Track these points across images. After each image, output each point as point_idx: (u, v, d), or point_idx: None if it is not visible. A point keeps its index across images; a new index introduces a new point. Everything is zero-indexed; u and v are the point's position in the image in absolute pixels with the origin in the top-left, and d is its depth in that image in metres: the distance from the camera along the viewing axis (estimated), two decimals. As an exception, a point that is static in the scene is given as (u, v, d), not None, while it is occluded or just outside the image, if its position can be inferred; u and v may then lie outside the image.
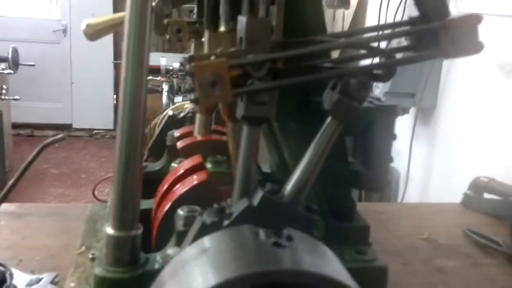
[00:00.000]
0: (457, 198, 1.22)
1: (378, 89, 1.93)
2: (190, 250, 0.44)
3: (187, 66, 0.40)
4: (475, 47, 0.48)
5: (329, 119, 0.50)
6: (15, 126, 4.51)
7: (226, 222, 0.46)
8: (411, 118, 2.08)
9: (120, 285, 0.54)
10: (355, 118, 0.48)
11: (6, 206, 1.01)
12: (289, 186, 0.52)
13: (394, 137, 0.65)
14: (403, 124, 2.15)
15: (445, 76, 1.94)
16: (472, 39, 0.47)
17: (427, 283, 0.86)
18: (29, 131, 5.04)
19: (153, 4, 0.89)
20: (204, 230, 0.45)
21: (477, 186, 1.23)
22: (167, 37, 0.83)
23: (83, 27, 0.94)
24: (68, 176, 4.24)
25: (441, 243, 1.00)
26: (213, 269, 0.40)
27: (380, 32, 0.49)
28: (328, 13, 2.79)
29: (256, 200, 0.50)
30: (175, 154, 0.82)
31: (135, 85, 0.53)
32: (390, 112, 0.64)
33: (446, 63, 1.94)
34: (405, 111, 2.03)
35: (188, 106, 1.06)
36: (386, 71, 0.49)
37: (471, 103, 1.79)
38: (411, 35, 0.49)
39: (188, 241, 0.46)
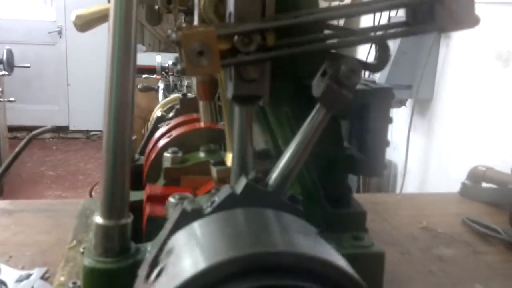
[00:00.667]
0: (455, 189, 1.21)
1: (375, 82, 1.91)
2: (179, 235, 0.43)
3: (174, 35, 0.38)
4: (472, 20, 0.47)
5: (317, 106, 0.48)
6: (11, 129, 4.48)
7: (208, 210, 0.44)
8: (408, 110, 2.07)
9: (109, 276, 0.52)
10: (344, 107, 0.47)
11: (-4, 203, 1.00)
12: (274, 174, 0.50)
13: (390, 120, 0.63)
14: (400, 116, 2.14)
15: (442, 67, 1.93)
16: (468, 13, 0.46)
17: (426, 271, 0.85)
18: (25, 133, 5.02)
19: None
20: (185, 218, 0.43)
21: (475, 176, 1.22)
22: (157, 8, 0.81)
23: (73, 18, 0.92)
24: (65, 178, 4.22)
25: (439, 232, 0.99)
26: (203, 253, 0.38)
27: (376, 5, 0.47)
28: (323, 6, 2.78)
29: (239, 188, 0.49)
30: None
31: (122, 70, 0.51)
32: (385, 95, 0.62)
33: (442, 54, 1.93)
34: (402, 103, 2.02)
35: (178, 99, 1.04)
36: (379, 61, 0.48)
37: (468, 93, 1.78)
38: (407, 10, 0.48)
39: (167, 229, 0.44)
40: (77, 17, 0.92)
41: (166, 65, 2.43)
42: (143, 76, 2.75)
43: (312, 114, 0.48)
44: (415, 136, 2.06)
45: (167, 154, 0.72)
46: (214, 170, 0.61)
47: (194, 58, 0.39)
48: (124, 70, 0.50)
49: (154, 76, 2.50)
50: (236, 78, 0.43)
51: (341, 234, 0.61)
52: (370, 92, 0.62)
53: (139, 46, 4.81)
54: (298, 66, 0.60)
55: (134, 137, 0.85)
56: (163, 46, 5.13)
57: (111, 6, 0.50)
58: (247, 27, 0.41)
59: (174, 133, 0.82)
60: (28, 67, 3.80)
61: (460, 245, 0.94)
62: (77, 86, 5.05)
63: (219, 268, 0.36)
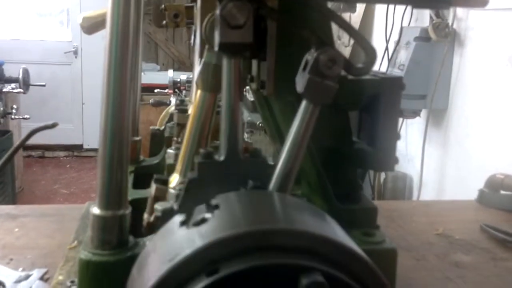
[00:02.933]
0: (473, 200, 1.17)
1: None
2: (176, 219, 0.41)
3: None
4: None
5: (303, 102, 0.46)
6: (26, 147, 4.53)
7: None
8: (422, 120, 2.03)
9: (105, 269, 0.50)
10: (329, 98, 0.45)
11: (1, 208, 0.99)
12: (274, 178, 0.48)
13: (400, 112, 0.60)
14: (414, 128, 2.11)
15: (456, 76, 1.89)
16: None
17: (443, 277, 0.81)
18: (40, 152, 5.06)
19: (150, -5, 0.87)
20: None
21: (493, 183, 1.18)
22: (165, 23, 0.81)
23: (79, 20, 0.92)
24: (78, 196, 4.22)
25: (457, 238, 0.95)
26: (200, 232, 0.36)
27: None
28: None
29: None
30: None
31: (120, 57, 0.50)
32: (395, 85, 0.60)
33: (456, 62, 1.89)
34: (416, 113, 1.98)
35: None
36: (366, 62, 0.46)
37: (483, 102, 1.74)
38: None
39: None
40: (84, 19, 0.91)
41: (178, 80, 2.43)
42: (155, 90, 2.76)
43: (300, 111, 0.46)
44: (430, 147, 2.02)
45: (170, 151, 0.70)
46: (153, 187, 0.59)
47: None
48: (121, 66, 0.49)
49: (166, 90, 2.50)
50: (222, 26, 0.41)
51: (351, 230, 0.58)
52: (379, 82, 0.60)
53: (153, 65, 4.85)
54: (304, 55, 0.58)
55: (138, 138, 0.83)
56: (177, 65, 5.17)
57: (108, 17, 0.49)
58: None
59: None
60: (44, 85, 3.85)
61: (479, 252, 0.90)
62: (91, 105, 5.09)
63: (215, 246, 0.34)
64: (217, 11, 0.43)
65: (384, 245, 0.56)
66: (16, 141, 3.80)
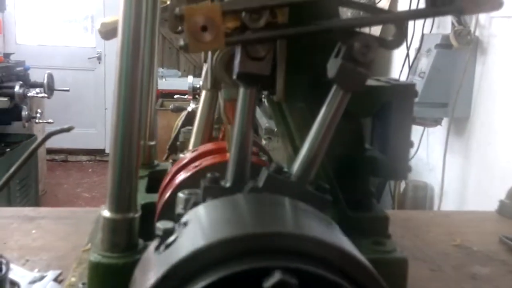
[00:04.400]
0: (496, 214, 1.14)
1: (408, 100, 1.86)
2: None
3: (177, 10, 0.37)
4: (494, 3, 0.44)
5: (334, 88, 0.46)
6: (50, 151, 4.60)
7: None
8: (443, 129, 2.00)
9: (114, 272, 0.50)
10: (361, 85, 0.44)
11: (18, 210, 1.01)
12: (297, 164, 0.48)
13: (413, 119, 0.60)
14: (435, 137, 2.07)
15: (479, 84, 1.86)
16: (491, -6, 0.43)
17: (459, 289, 0.79)
18: (63, 156, 5.15)
19: (168, 1, 0.88)
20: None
21: (515, 194, 1.15)
22: (181, 29, 0.82)
23: (97, 26, 0.93)
24: (100, 200, 4.27)
25: (475, 250, 0.93)
26: (203, 232, 0.36)
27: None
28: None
29: (261, 181, 0.47)
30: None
31: (131, 62, 0.50)
32: (408, 92, 0.59)
33: (478, 70, 1.86)
34: (437, 122, 1.95)
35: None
36: (396, 35, 0.45)
37: (507, 111, 1.70)
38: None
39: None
40: (102, 24, 0.93)
41: (198, 85, 2.45)
42: (175, 96, 2.78)
43: (329, 97, 0.46)
44: (451, 156, 1.98)
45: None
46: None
47: (197, 33, 0.37)
48: (132, 70, 0.50)
49: (185, 96, 2.52)
50: (242, 56, 0.41)
51: (361, 239, 0.57)
52: (391, 89, 0.59)
53: (174, 71, 4.90)
54: (315, 61, 0.57)
55: (153, 143, 0.84)
56: (198, 71, 5.21)
57: (120, 22, 0.50)
58: (256, 2, 0.40)
59: (192, 166, 0.65)
60: (68, 90, 3.91)
61: (497, 264, 0.88)
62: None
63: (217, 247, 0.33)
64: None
65: (395, 254, 0.55)
66: (41, 146, 3.87)
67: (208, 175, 0.48)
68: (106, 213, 0.51)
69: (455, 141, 1.97)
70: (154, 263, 0.36)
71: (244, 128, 0.44)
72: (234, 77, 0.43)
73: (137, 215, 0.52)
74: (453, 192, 2.00)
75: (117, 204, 0.51)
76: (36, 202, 3.53)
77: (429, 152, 2.14)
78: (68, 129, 0.64)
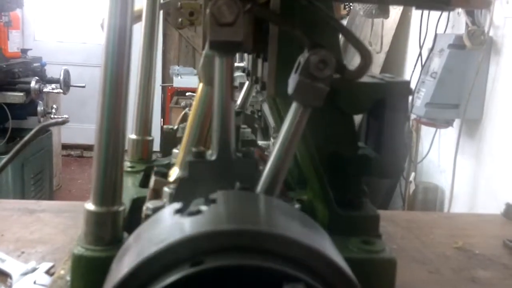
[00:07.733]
0: (506, 215, 1.12)
1: (419, 100, 1.83)
2: (168, 209, 0.40)
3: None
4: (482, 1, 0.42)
5: (293, 104, 0.46)
6: (66, 146, 4.66)
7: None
8: (455, 131, 1.96)
9: (97, 265, 0.50)
10: (320, 101, 0.44)
11: (19, 202, 1.02)
12: (262, 179, 0.47)
13: (407, 117, 0.58)
14: (446, 138, 2.04)
15: (491, 85, 1.82)
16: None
17: (457, 292, 0.77)
18: (78, 152, 5.20)
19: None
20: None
21: (523, 197, 1.12)
22: (181, 21, 0.82)
23: (100, 21, 0.93)
24: (113, 195, 4.31)
25: (477, 253, 0.91)
26: (193, 222, 0.36)
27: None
28: (367, 23, 2.73)
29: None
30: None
31: (117, 55, 0.50)
32: (402, 89, 0.58)
33: (492, 71, 1.83)
34: (449, 123, 1.92)
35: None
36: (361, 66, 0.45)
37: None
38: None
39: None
40: (104, 20, 0.93)
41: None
42: (186, 94, 2.79)
43: (290, 113, 0.45)
44: (462, 158, 1.95)
45: (176, 150, 0.70)
46: (152, 180, 0.59)
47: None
48: (117, 63, 0.50)
49: (195, 93, 2.53)
50: (212, 24, 0.41)
51: (350, 237, 0.56)
52: (385, 86, 0.58)
53: (190, 69, 4.91)
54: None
55: (151, 138, 0.84)
56: (213, 70, 5.23)
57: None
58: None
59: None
60: (83, 86, 3.95)
61: (498, 267, 0.86)
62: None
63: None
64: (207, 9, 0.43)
65: (383, 254, 0.54)
66: (55, 140, 3.92)
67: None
68: (90, 206, 0.51)
69: (466, 143, 1.94)
70: (177, 224, 0.36)
71: (224, 99, 0.45)
72: (209, 48, 0.43)
73: (122, 208, 0.52)
74: (463, 195, 1.97)
75: (102, 197, 0.51)
76: (50, 196, 3.58)
77: (441, 154, 2.11)
78: (63, 122, 0.64)
